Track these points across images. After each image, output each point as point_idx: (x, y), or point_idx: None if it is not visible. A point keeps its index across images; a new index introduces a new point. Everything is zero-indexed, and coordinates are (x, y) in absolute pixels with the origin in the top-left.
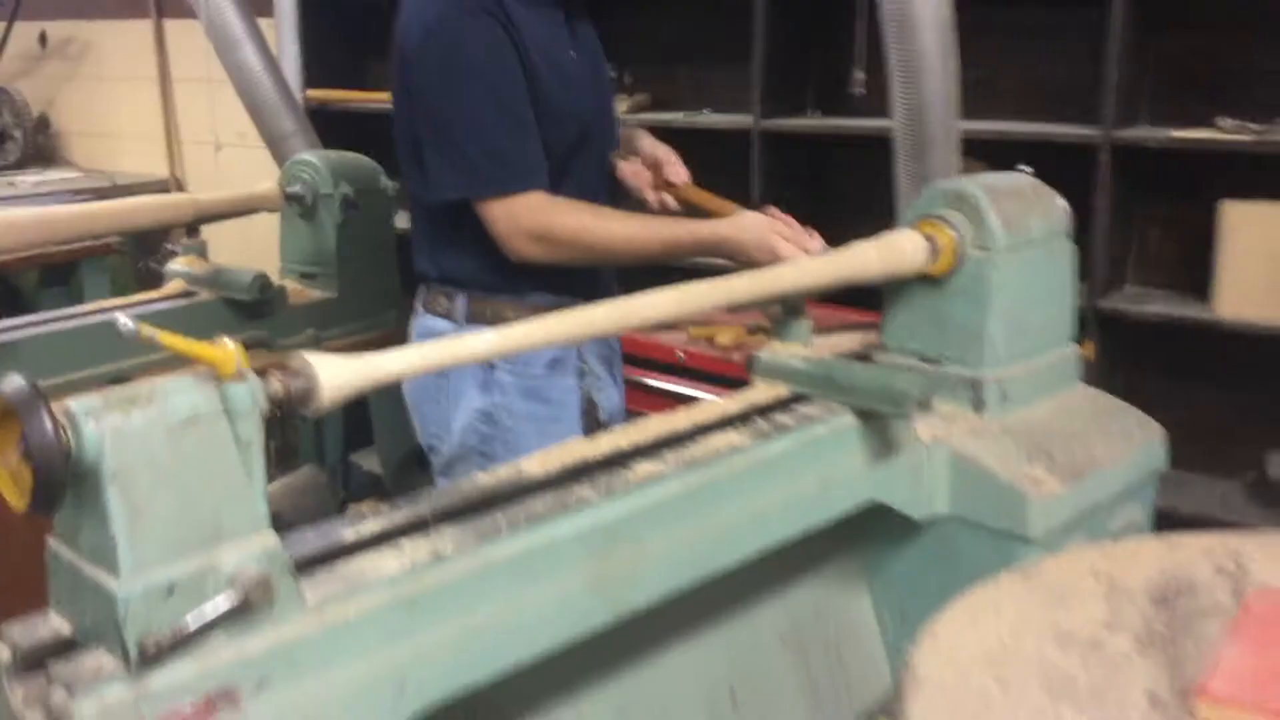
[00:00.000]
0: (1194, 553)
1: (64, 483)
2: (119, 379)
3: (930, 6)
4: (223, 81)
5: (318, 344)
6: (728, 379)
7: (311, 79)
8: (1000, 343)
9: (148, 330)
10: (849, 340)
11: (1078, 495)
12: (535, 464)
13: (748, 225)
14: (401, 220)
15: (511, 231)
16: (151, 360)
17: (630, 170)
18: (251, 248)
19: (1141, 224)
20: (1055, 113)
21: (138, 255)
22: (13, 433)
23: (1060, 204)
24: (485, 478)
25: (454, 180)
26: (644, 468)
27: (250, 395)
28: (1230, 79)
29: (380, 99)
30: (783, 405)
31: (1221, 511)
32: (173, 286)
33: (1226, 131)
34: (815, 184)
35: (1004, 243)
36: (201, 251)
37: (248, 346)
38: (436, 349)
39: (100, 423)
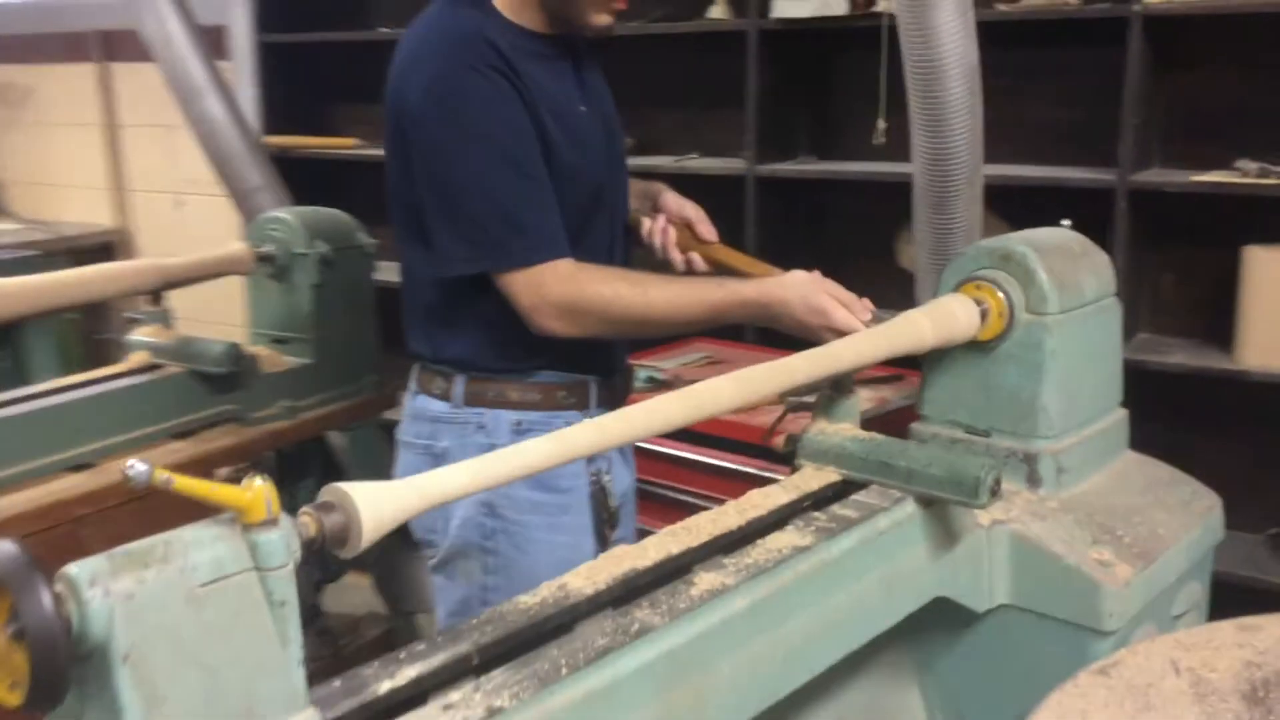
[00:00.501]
0: (1272, 639)
1: (67, 669)
2: (81, 465)
3: (958, 52)
4: (176, 127)
5: (294, 415)
6: (728, 442)
7: (270, 125)
8: (1055, 412)
9: (163, 475)
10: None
11: (1148, 580)
12: (581, 579)
13: (795, 285)
14: (381, 274)
15: (537, 305)
16: (114, 443)
17: (656, 228)
18: (209, 310)
19: (1156, 270)
20: (1068, 156)
21: (87, 321)
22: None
23: (1106, 260)
24: (529, 600)
25: (469, 253)
26: (705, 579)
27: (284, 544)
28: (1249, 120)
29: (343, 145)
30: (838, 494)
31: (1245, 569)
32: (136, 359)
33: (1247, 175)
34: (809, 230)
35: (1056, 305)
36: (166, 320)
37: (218, 422)
38: (487, 464)
39: (108, 590)
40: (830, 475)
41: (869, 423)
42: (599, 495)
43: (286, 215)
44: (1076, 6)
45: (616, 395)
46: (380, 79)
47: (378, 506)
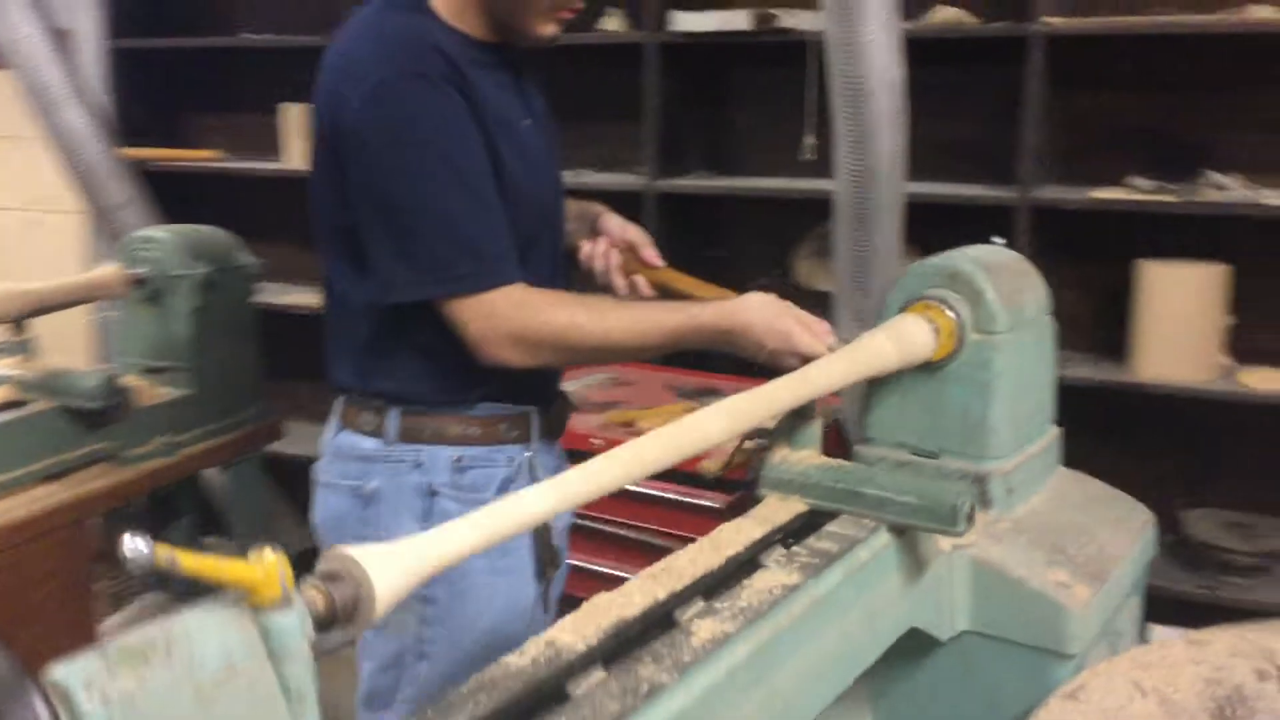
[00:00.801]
0: (1223, 653)
1: None
2: None
3: (884, 69)
4: (25, 139)
5: (174, 452)
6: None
7: (122, 136)
8: (1004, 432)
9: (166, 553)
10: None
11: (1104, 600)
12: (569, 634)
13: (756, 308)
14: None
15: (488, 334)
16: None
17: (597, 252)
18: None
19: (1056, 285)
20: (966, 173)
21: None
22: None
23: (1040, 278)
24: (517, 661)
25: (414, 278)
26: (703, 627)
27: (300, 627)
28: (1137, 138)
29: (204, 157)
30: (808, 525)
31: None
32: None
33: (1141, 191)
34: (707, 246)
35: (1004, 324)
36: (29, 351)
37: (92, 462)
38: (497, 517)
39: (106, 696)
40: (797, 505)
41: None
42: (540, 534)
43: (161, 234)
44: (977, 25)
45: (555, 426)
46: (244, 87)
47: (389, 572)
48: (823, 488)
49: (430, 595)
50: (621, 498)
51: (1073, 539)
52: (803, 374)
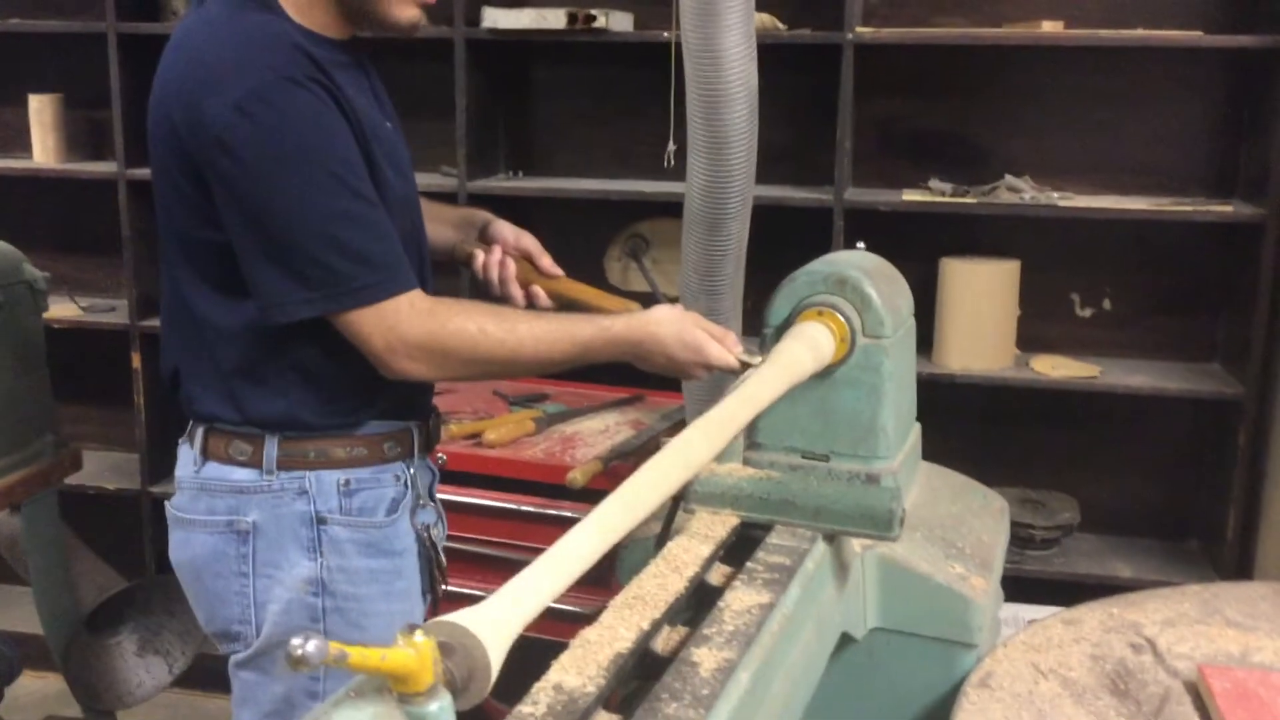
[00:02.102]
0: (1097, 629)
1: None
2: None
3: (742, 76)
4: None
5: None
6: (505, 482)
7: None
8: (892, 432)
9: (336, 652)
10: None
11: (994, 588)
12: (573, 675)
13: (667, 321)
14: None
15: (394, 345)
16: None
17: (492, 261)
18: None
19: None
20: (778, 176)
21: None
22: None
23: (904, 282)
24: (530, 710)
25: (305, 294)
26: (704, 656)
27: (449, 713)
28: (933, 143)
29: None
30: (752, 539)
31: None
32: None
33: (944, 194)
34: None
35: (890, 328)
36: None
37: None
38: (575, 551)
39: None
40: (730, 519)
41: (643, 449)
42: (429, 553)
43: None
44: (787, 33)
45: (431, 440)
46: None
47: (498, 637)
48: (755, 499)
49: (325, 630)
50: (479, 514)
51: (956, 531)
52: (749, 391)
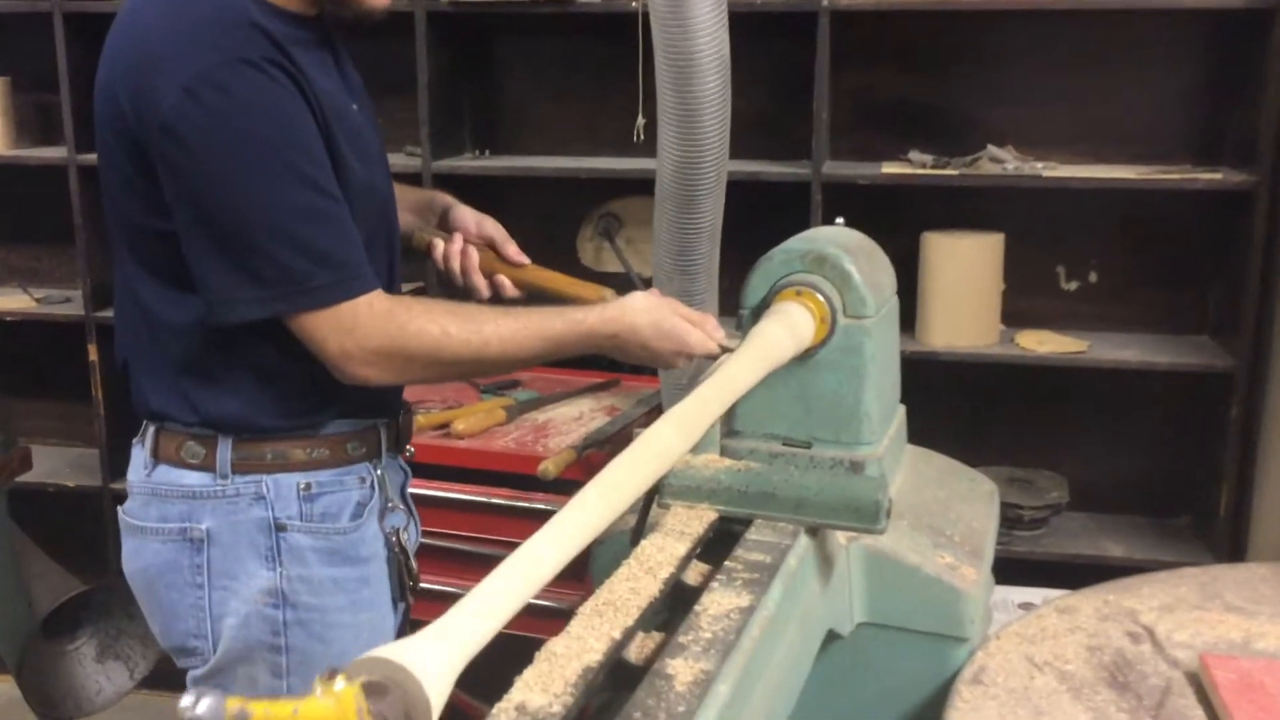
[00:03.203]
0: (1092, 618)
1: None
2: None
3: (714, 45)
4: None
5: None
6: (475, 474)
7: None
8: (875, 416)
9: (236, 706)
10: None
11: (985, 578)
12: (538, 693)
13: (643, 310)
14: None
15: (350, 351)
16: None
17: (454, 251)
18: None
19: None
20: (754, 150)
21: None
22: None
23: (886, 257)
24: None
25: (257, 293)
26: (679, 667)
27: None
28: (911, 114)
29: None
30: (732, 534)
31: None
32: None
33: (924, 166)
34: None
35: (872, 307)
36: None
37: None
38: (523, 571)
39: None
40: (707, 514)
41: (618, 436)
42: (399, 558)
43: None
44: (760, 0)
45: (401, 438)
46: None
47: (439, 672)
48: (734, 492)
49: (285, 644)
50: (449, 507)
51: (943, 518)
52: (726, 377)
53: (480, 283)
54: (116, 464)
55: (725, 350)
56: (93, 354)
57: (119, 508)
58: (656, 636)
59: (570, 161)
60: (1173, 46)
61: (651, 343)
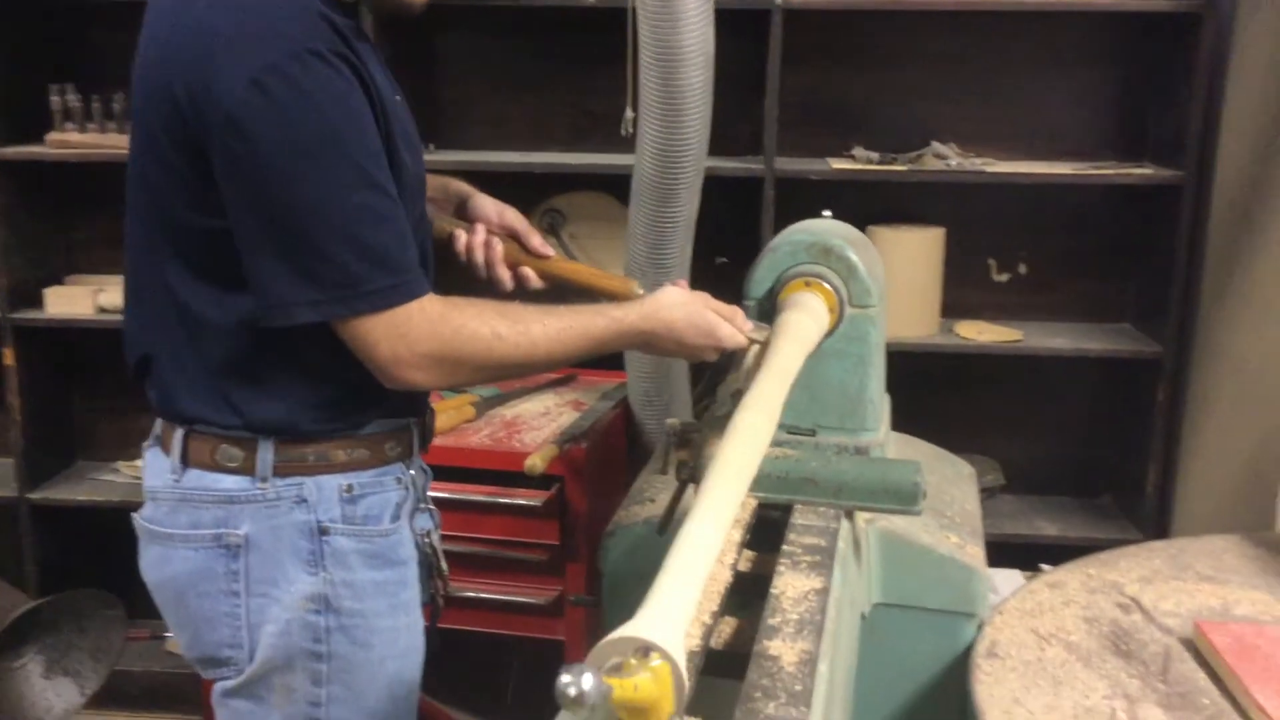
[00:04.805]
0: (1081, 591)
1: None
2: None
3: (700, 39)
4: None
5: None
6: (456, 472)
7: None
8: (878, 402)
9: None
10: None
11: (985, 556)
12: None
13: (678, 306)
14: None
15: (403, 355)
16: None
17: (477, 242)
18: None
19: None
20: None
21: None
22: None
23: (875, 248)
24: None
25: (314, 295)
26: (779, 648)
27: None
28: (853, 111)
29: None
30: (768, 520)
31: None
32: None
33: (871, 162)
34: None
35: (875, 296)
36: None
37: None
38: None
39: None
40: (748, 501)
41: (595, 430)
42: (430, 560)
43: None
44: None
45: (428, 435)
46: None
47: (676, 630)
48: (774, 479)
49: (328, 651)
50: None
51: (942, 500)
52: (782, 365)
53: (504, 275)
54: (34, 473)
55: (754, 342)
56: (9, 358)
57: (135, 515)
58: (731, 621)
59: (517, 156)
60: (1102, 48)
61: (686, 337)
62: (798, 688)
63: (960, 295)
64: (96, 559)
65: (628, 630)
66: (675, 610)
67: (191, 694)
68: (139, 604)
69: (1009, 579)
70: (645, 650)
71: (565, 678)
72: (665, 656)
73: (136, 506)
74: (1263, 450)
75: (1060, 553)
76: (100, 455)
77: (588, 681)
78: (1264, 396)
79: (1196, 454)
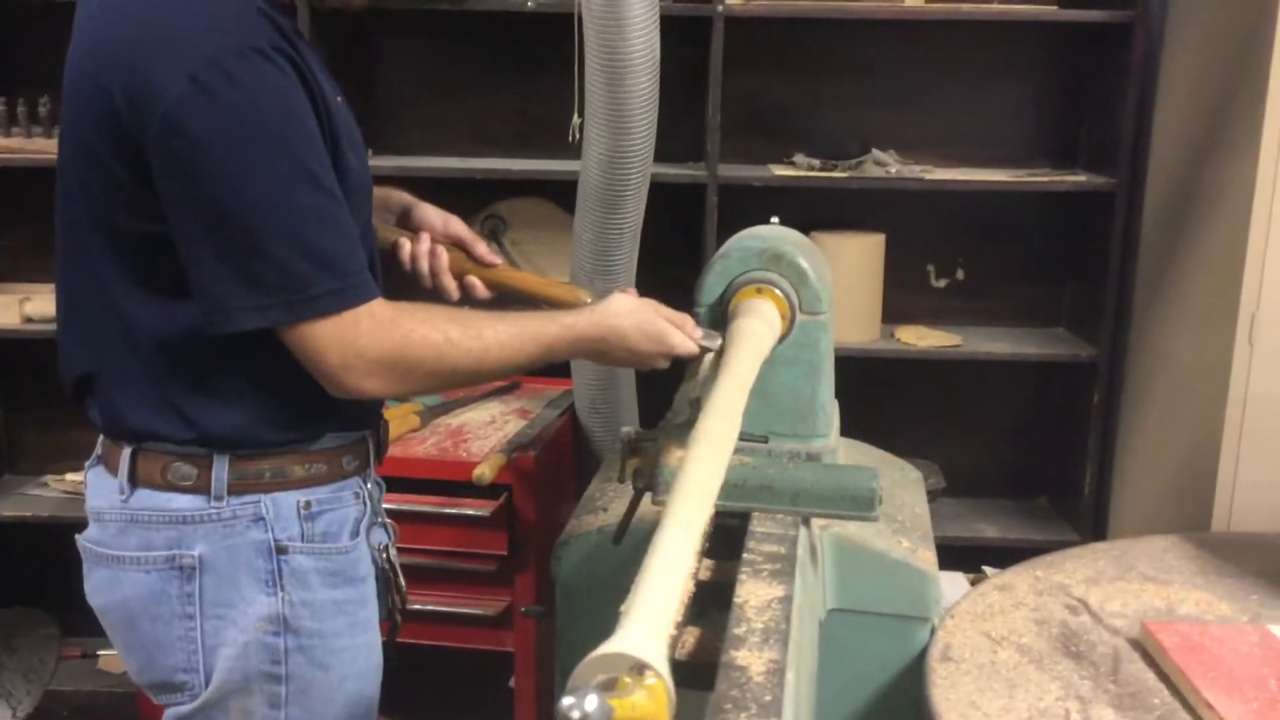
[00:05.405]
0: (1029, 594)
1: None
2: None
3: (646, 46)
4: None
5: None
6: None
7: None
8: (828, 409)
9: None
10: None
11: (935, 560)
12: None
13: (628, 313)
14: None
15: (352, 362)
16: None
17: (422, 251)
18: None
19: None
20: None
21: None
22: None
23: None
24: None
25: (260, 303)
26: (745, 658)
27: None
28: (792, 119)
29: None
30: (726, 528)
31: None
32: None
33: (812, 169)
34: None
35: (826, 303)
36: None
37: None
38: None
39: None
40: None
41: (541, 438)
42: (389, 575)
43: None
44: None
45: (382, 448)
46: None
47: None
48: (730, 486)
49: (285, 673)
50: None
51: (893, 505)
52: (737, 374)
53: (451, 284)
54: None
55: (704, 349)
56: None
57: (78, 537)
58: (694, 630)
59: (458, 162)
60: (1037, 57)
61: (636, 345)
62: (767, 698)
63: (900, 301)
64: (27, 576)
65: (618, 646)
66: (659, 624)
67: (128, 713)
68: (71, 621)
69: (953, 581)
70: (640, 668)
71: (568, 700)
72: (659, 675)
73: (68, 521)
74: (1196, 451)
75: (1000, 555)
76: (29, 469)
77: (591, 704)
78: (1197, 398)
79: (1132, 455)
